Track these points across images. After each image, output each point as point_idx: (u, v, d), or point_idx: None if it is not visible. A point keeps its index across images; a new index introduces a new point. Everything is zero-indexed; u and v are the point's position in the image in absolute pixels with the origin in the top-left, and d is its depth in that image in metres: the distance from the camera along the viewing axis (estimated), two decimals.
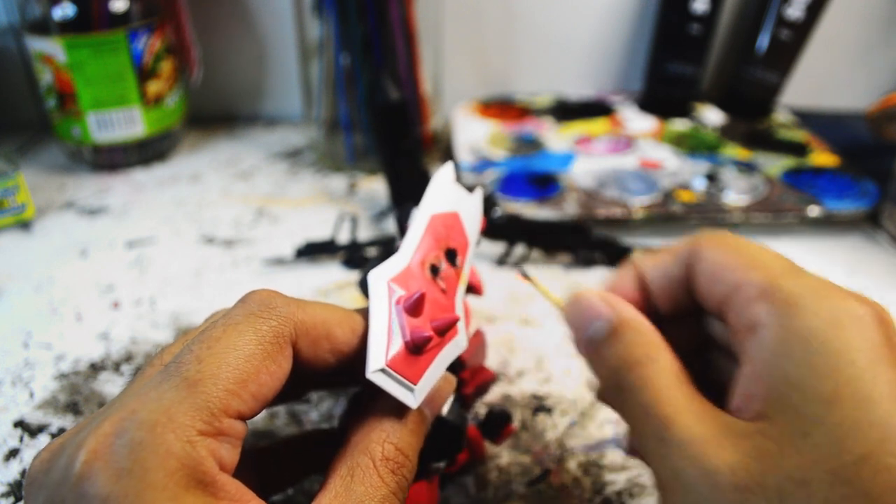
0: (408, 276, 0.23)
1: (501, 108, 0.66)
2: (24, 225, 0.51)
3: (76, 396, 0.35)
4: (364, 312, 0.23)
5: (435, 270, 0.25)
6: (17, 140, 0.65)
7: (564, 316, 0.23)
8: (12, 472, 0.31)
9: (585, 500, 0.29)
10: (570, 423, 0.33)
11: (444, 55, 0.62)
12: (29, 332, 0.40)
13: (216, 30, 0.65)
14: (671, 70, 0.64)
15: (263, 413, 0.34)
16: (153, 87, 0.58)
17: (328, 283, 0.44)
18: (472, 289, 0.30)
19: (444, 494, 0.29)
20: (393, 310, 0.22)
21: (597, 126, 0.62)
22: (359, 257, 0.46)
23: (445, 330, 0.23)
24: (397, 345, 0.22)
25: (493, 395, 0.35)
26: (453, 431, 0.24)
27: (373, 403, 0.22)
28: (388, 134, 0.47)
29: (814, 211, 0.48)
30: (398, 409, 0.22)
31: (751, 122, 0.63)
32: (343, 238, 0.47)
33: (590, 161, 0.56)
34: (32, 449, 0.32)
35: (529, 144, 0.59)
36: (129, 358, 0.38)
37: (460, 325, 0.24)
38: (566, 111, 0.65)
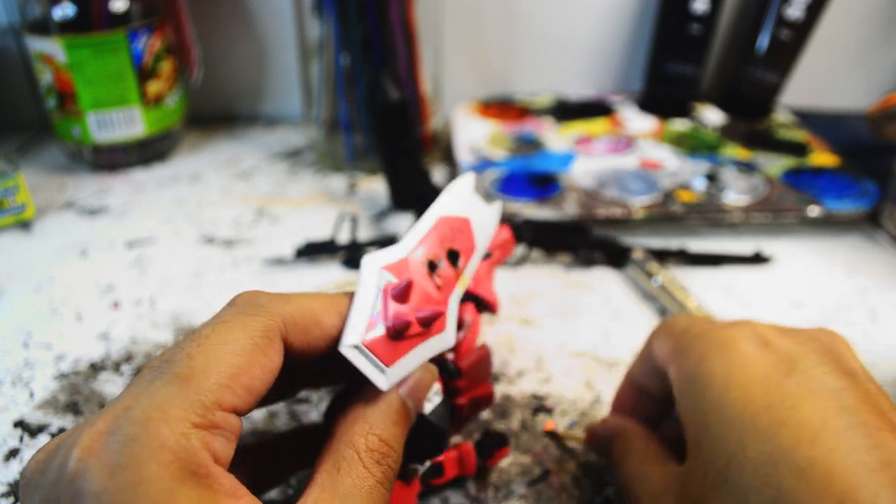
0: (402, 266, 0.24)
1: (501, 108, 0.66)
2: (24, 225, 0.51)
3: (76, 396, 0.35)
4: (350, 295, 0.23)
5: (433, 267, 0.25)
6: (17, 140, 0.65)
7: (588, 445, 0.30)
8: (12, 472, 0.31)
9: (585, 500, 0.29)
10: (570, 424, 0.33)
11: (444, 55, 0.62)
12: (29, 332, 0.40)
13: (216, 30, 0.65)
14: (671, 70, 0.64)
15: (264, 413, 0.34)
16: (153, 87, 0.58)
17: (328, 283, 0.44)
18: (487, 306, 0.30)
19: (444, 494, 0.30)
20: (380, 295, 0.23)
21: (597, 126, 0.62)
22: (359, 257, 0.46)
23: (429, 321, 0.23)
24: (380, 329, 0.22)
25: (494, 395, 0.35)
26: (434, 431, 0.24)
27: (356, 397, 0.22)
28: (388, 134, 0.47)
29: (814, 211, 0.48)
30: (381, 402, 0.22)
31: (751, 122, 0.63)
32: (343, 238, 0.48)
33: (590, 161, 0.56)
34: (32, 449, 0.32)
35: (529, 144, 0.59)
36: (129, 358, 0.38)
37: (450, 322, 0.24)
38: (566, 111, 0.65)
